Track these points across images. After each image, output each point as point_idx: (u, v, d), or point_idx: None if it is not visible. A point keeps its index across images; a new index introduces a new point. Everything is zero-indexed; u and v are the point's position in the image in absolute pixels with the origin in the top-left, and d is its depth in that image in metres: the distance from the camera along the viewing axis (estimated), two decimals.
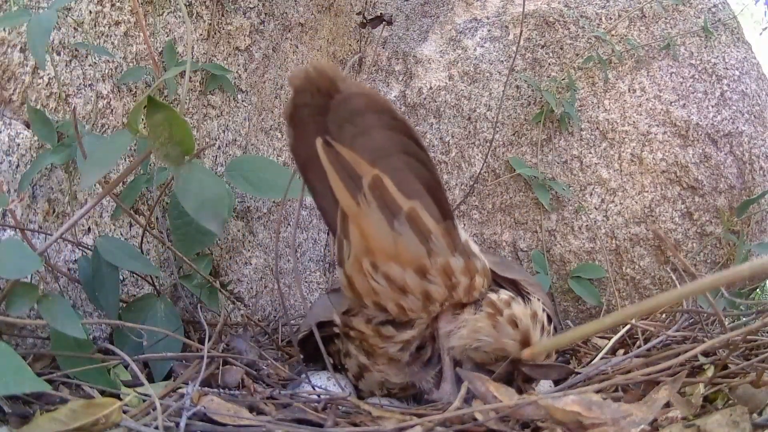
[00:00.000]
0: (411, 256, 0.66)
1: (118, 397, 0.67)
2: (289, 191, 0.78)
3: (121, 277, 0.86)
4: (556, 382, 0.88)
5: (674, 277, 1.03)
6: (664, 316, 1.08)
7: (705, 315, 0.91)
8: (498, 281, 0.78)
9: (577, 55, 1.26)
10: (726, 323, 0.74)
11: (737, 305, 0.97)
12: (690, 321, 0.94)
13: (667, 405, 0.65)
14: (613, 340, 0.98)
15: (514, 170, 1.22)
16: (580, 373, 0.85)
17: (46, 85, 0.81)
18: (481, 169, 1.25)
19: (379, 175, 0.60)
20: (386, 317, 0.72)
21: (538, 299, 0.77)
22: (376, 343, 0.74)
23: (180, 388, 0.73)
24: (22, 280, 0.66)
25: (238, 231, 1.11)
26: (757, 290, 1.47)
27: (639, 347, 0.90)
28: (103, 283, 0.76)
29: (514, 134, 1.26)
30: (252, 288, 1.13)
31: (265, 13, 1.13)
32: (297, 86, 0.57)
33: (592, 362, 0.89)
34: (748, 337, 0.68)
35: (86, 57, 0.86)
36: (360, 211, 0.62)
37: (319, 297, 0.93)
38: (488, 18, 1.34)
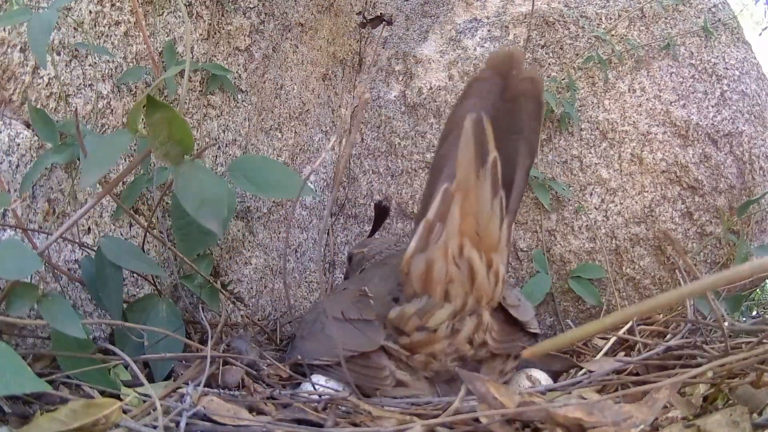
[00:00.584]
0: (490, 243, 0.70)
1: (118, 397, 0.67)
2: (293, 192, 0.78)
3: (122, 277, 0.85)
4: (558, 373, 0.88)
5: (679, 277, 1.03)
6: (661, 316, 1.08)
7: (704, 322, 0.92)
8: None
9: (577, 55, 1.26)
10: (725, 330, 0.74)
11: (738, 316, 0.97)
12: (690, 329, 0.95)
13: (667, 405, 0.65)
14: (611, 341, 0.98)
15: None
16: (581, 368, 0.85)
17: (46, 85, 0.81)
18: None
19: (497, 157, 0.65)
20: (434, 324, 0.74)
21: None
22: (432, 349, 0.75)
23: (180, 388, 0.73)
24: (22, 280, 0.66)
25: (238, 231, 1.11)
26: (757, 290, 1.47)
27: (639, 352, 0.90)
28: (107, 283, 0.76)
29: None
30: (252, 288, 1.13)
31: (265, 13, 1.13)
32: (491, 65, 0.64)
33: (594, 361, 0.89)
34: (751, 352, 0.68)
35: (86, 57, 0.86)
36: (476, 183, 0.65)
37: (318, 326, 0.86)
38: (488, 18, 1.34)
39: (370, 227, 1.26)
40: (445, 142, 0.70)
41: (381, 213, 1.21)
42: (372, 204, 1.31)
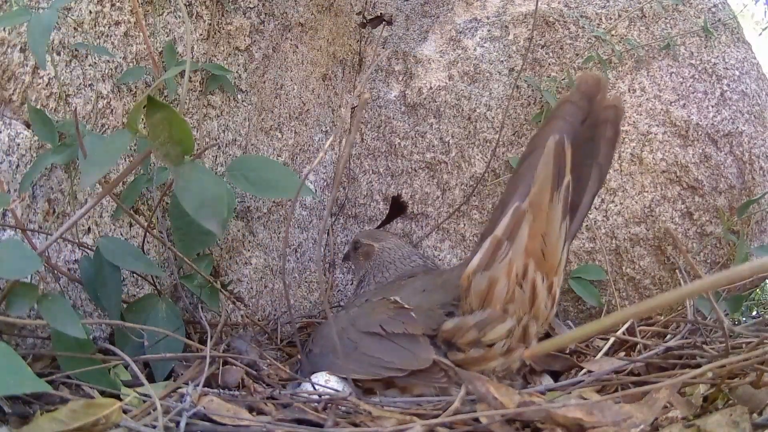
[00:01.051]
0: (553, 265, 0.71)
1: (118, 397, 0.67)
2: (292, 192, 0.78)
3: (121, 277, 0.86)
4: (559, 373, 0.88)
5: (679, 277, 1.03)
6: (662, 317, 1.08)
7: (704, 323, 0.92)
8: None
9: (577, 55, 1.26)
10: (726, 330, 0.74)
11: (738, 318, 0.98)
12: (690, 329, 0.95)
13: (667, 405, 0.65)
14: (611, 341, 0.98)
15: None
16: (582, 368, 0.85)
17: (46, 85, 0.81)
18: (485, 171, 1.25)
19: (570, 181, 0.66)
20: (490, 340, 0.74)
21: None
22: (485, 366, 0.76)
23: (180, 388, 0.73)
24: (22, 280, 0.66)
25: (238, 231, 1.11)
26: (757, 290, 1.47)
27: (639, 352, 0.90)
28: (105, 283, 0.76)
29: (514, 134, 1.26)
30: (252, 288, 1.13)
31: (265, 13, 1.13)
32: (582, 89, 0.64)
33: (594, 361, 0.89)
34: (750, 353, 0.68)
35: (86, 57, 0.86)
36: (549, 205, 0.66)
37: (348, 343, 0.82)
38: (488, 18, 1.34)
39: (382, 220, 1.29)
40: (525, 161, 0.70)
41: (397, 208, 1.25)
42: (371, 204, 1.31)
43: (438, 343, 0.77)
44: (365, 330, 0.81)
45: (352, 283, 1.31)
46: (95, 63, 0.87)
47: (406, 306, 0.82)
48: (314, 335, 0.96)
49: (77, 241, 0.82)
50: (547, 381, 0.83)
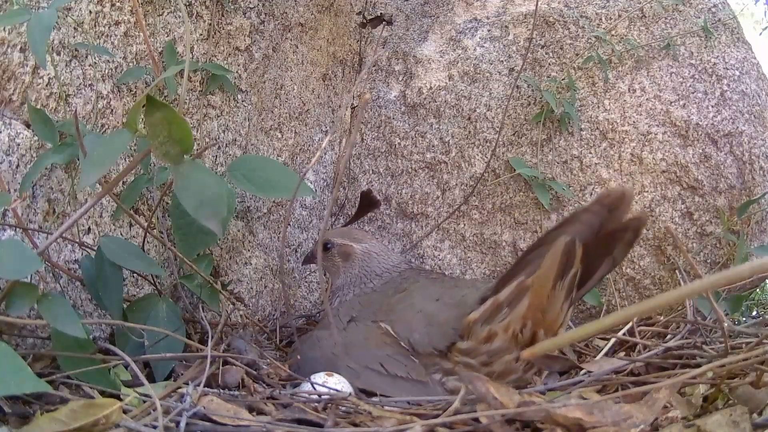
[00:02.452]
0: (553, 328, 0.76)
1: (118, 397, 0.67)
2: (290, 191, 0.78)
3: (122, 277, 0.85)
4: (559, 374, 0.88)
5: (679, 277, 1.03)
6: (662, 317, 1.08)
7: (704, 323, 0.92)
8: None
9: (577, 55, 1.26)
10: (725, 330, 0.74)
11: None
12: (690, 329, 0.95)
13: (667, 405, 0.65)
14: (612, 341, 0.98)
15: (514, 170, 1.22)
16: (582, 368, 0.86)
17: (46, 85, 0.81)
18: (485, 170, 1.25)
19: (578, 271, 0.71)
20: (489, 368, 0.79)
21: None
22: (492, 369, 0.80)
23: (180, 388, 0.73)
24: (22, 280, 0.66)
25: (238, 231, 1.11)
26: (757, 290, 1.47)
27: (639, 352, 0.90)
28: (107, 282, 0.76)
29: (514, 134, 1.26)
30: (252, 288, 1.13)
31: (265, 13, 1.13)
32: (605, 202, 0.67)
33: (595, 361, 0.89)
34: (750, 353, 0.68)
35: (86, 57, 0.86)
36: (551, 293, 0.71)
37: (347, 370, 0.84)
38: (488, 18, 1.34)
39: (351, 216, 1.20)
40: (535, 251, 0.73)
41: (368, 203, 1.16)
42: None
43: (446, 357, 0.81)
44: (363, 364, 0.83)
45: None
46: (95, 63, 0.87)
47: (401, 343, 0.84)
48: (301, 350, 0.93)
49: (78, 240, 0.82)
50: (554, 379, 0.84)
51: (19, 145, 0.77)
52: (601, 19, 1.28)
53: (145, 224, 0.89)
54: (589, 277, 0.75)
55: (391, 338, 0.86)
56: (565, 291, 0.73)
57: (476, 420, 0.61)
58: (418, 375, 0.81)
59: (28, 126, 0.79)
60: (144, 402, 0.65)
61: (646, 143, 1.21)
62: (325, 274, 1.15)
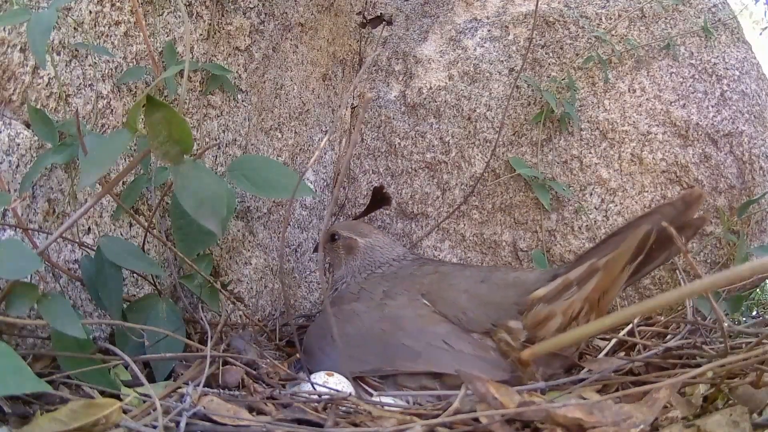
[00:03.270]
0: (603, 311, 0.81)
1: (118, 397, 0.67)
2: (289, 191, 0.77)
3: (122, 277, 0.85)
4: (559, 373, 0.88)
5: (679, 277, 1.03)
6: (662, 317, 1.07)
7: (704, 323, 0.92)
8: None
9: (577, 55, 1.26)
10: (725, 330, 0.74)
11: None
12: (690, 329, 0.95)
13: (667, 405, 0.65)
14: (612, 341, 0.98)
15: (514, 170, 1.22)
16: (582, 367, 0.86)
17: (46, 85, 0.81)
18: (484, 170, 1.25)
19: (642, 258, 0.77)
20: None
21: None
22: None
23: (180, 388, 0.73)
24: (22, 280, 0.66)
25: (238, 231, 1.11)
26: (757, 290, 1.47)
27: (639, 352, 0.90)
28: (106, 283, 0.76)
29: (514, 134, 1.26)
30: (252, 288, 1.13)
31: (265, 13, 1.13)
32: (686, 199, 0.75)
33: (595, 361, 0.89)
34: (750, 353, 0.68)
35: (86, 57, 0.86)
36: (618, 275, 0.77)
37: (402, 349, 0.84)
38: (488, 18, 1.34)
39: (362, 211, 1.21)
40: (619, 234, 0.79)
41: (379, 200, 1.17)
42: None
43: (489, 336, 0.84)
44: (425, 341, 0.83)
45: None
46: (95, 63, 0.87)
47: (461, 321, 0.85)
48: (328, 327, 0.88)
49: (77, 240, 0.82)
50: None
51: (19, 145, 0.77)
52: (601, 19, 1.28)
53: (146, 224, 0.89)
54: (644, 266, 0.80)
55: (439, 315, 0.86)
56: (629, 275, 0.77)
57: (476, 420, 0.61)
58: (483, 350, 0.82)
59: (28, 126, 0.79)
60: (144, 402, 0.65)
61: (646, 143, 1.21)
62: (329, 266, 1.16)
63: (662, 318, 1.07)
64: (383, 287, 0.95)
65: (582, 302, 0.78)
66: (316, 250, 1.21)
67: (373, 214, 1.30)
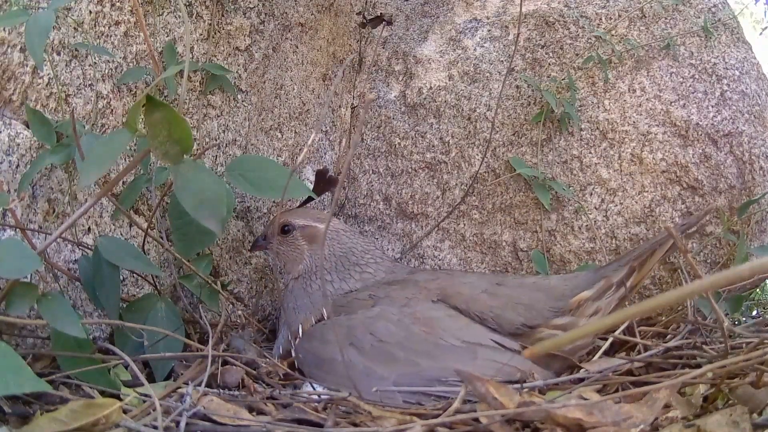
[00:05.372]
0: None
1: (118, 397, 0.67)
2: (293, 192, 0.77)
3: (121, 277, 0.86)
4: (558, 374, 0.88)
5: (679, 276, 1.04)
6: (662, 317, 1.07)
7: (704, 323, 0.92)
8: None
9: (577, 55, 1.26)
10: (725, 331, 0.74)
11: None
12: (690, 329, 0.95)
13: (667, 405, 0.65)
14: (610, 340, 0.98)
15: (514, 170, 1.22)
16: (582, 368, 0.86)
17: (46, 85, 0.81)
18: (479, 168, 1.25)
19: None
20: None
21: None
22: None
23: (180, 388, 0.73)
24: (21, 280, 0.66)
25: (238, 231, 1.11)
26: (757, 290, 1.47)
27: (639, 353, 0.90)
28: (104, 282, 0.76)
29: (514, 134, 1.26)
30: (252, 288, 1.13)
31: (265, 13, 1.13)
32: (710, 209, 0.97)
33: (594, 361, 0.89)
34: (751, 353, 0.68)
35: (86, 57, 0.86)
36: (647, 274, 0.92)
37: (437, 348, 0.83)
38: (488, 18, 1.34)
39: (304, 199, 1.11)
40: (651, 242, 0.91)
41: (325, 183, 1.08)
42: (371, 204, 1.31)
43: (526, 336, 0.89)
44: (474, 341, 0.84)
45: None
46: (95, 63, 0.87)
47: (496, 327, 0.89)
48: (357, 330, 0.83)
49: (77, 240, 0.82)
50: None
51: (19, 145, 0.77)
52: (601, 19, 1.28)
53: (145, 225, 0.89)
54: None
55: (465, 318, 0.89)
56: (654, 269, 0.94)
57: (476, 420, 0.61)
58: (510, 345, 0.85)
59: (28, 126, 0.79)
60: (144, 402, 0.65)
61: (646, 143, 1.21)
62: (282, 265, 1.05)
63: (662, 318, 1.07)
64: (397, 291, 0.92)
65: (640, 281, 0.91)
66: (254, 247, 1.05)
67: (373, 213, 1.30)
